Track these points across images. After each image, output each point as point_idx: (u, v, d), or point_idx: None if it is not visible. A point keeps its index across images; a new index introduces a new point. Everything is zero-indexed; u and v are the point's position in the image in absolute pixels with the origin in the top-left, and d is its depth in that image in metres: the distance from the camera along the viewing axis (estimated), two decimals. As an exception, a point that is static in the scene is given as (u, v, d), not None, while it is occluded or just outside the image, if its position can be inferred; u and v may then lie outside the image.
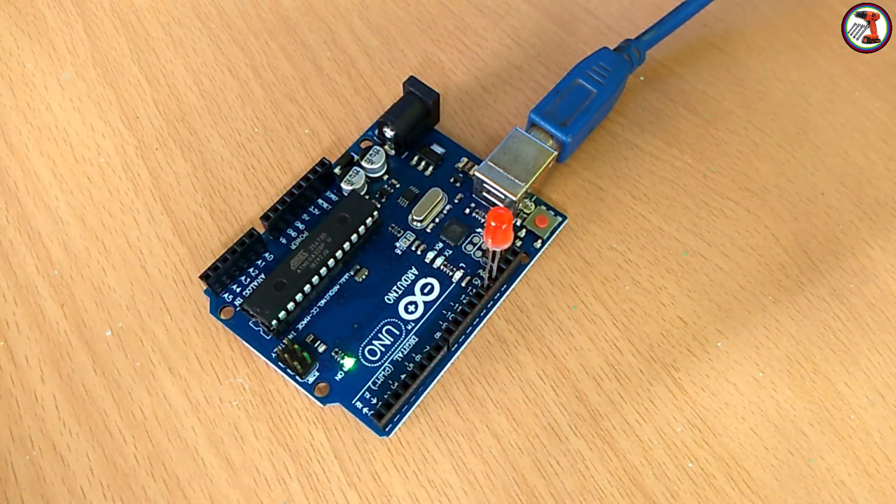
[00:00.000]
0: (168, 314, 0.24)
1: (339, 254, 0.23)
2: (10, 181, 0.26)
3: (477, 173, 0.25)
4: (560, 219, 0.26)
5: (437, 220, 0.25)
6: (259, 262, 0.24)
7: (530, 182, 0.24)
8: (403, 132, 0.26)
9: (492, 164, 0.24)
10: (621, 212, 0.26)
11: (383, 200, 0.26)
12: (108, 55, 0.29)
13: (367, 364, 0.23)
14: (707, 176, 0.27)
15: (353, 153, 0.26)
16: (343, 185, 0.25)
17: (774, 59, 0.29)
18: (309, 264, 0.23)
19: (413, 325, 0.24)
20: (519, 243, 0.25)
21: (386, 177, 0.26)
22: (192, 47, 0.29)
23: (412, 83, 0.26)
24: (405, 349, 0.23)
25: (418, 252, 0.25)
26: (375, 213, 0.24)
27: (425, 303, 0.24)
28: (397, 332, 0.24)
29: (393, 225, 0.25)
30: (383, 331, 0.24)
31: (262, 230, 0.25)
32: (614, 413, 0.23)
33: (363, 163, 0.26)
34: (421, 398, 0.23)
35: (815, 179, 0.27)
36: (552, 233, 0.25)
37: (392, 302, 0.24)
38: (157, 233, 0.26)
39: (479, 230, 0.25)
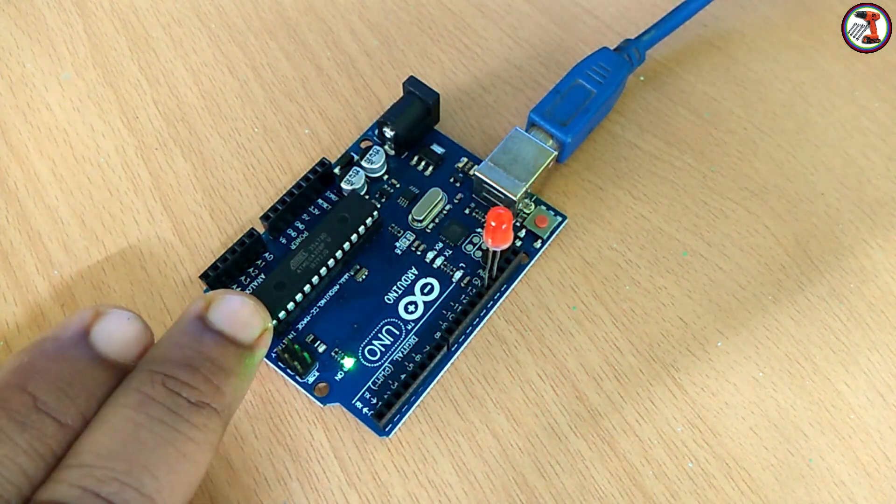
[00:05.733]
0: (168, 314, 0.24)
1: (339, 254, 0.23)
2: (10, 181, 0.26)
3: (477, 173, 0.25)
4: (560, 219, 0.26)
5: (437, 220, 0.25)
6: (259, 262, 0.24)
7: (530, 182, 0.24)
8: (403, 132, 0.26)
9: (492, 164, 0.24)
10: (621, 212, 0.26)
11: (383, 200, 0.26)
12: (108, 55, 0.29)
13: (367, 364, 0.23)
14: (707, 176, 0.27)
15: (352, 153, 0.26)
16: (343, 185, 0.25)
17: (774, 59, 0.29)
18: (309, 264, 0.23)
19: (413, 325, 0.24)
20: (519, 243, 0.25)
21: (386, 177, 0.26)
22: (192, 47, 0.29)
23: (412, 83, 0.26)
24: (405, 349, 0.23)
25: (418, 252, 0.25)
26: (375, 213, 0.24)
27: (425, 303, 0.24)
28: (397, 332, 0.24)
29: (393, 225, 0.25)
30: (383, 331, 0.24)
31: (262, 230, 0.25)
32: (614, 413, 0.23)
33: (363, 163, 0.26)
34: (421, 398, 0.23)
35: (815, 179, 0.27)
36: (552, 233, 0.25)
37: (392, 302, 0.24)
38: (157, 233, 0.26)
39: (479, 230, 0.25)
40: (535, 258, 0.25)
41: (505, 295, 0.24)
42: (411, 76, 0.26)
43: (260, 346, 0.19)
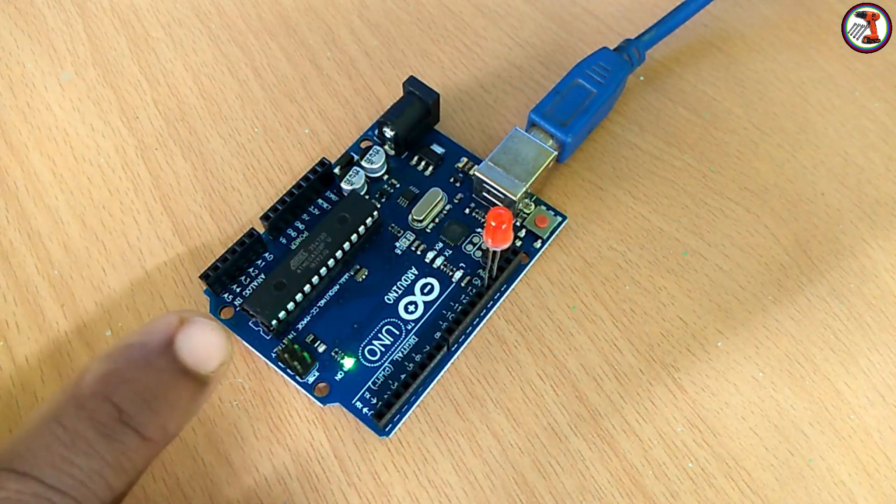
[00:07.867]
0: (168, 314, 0.24)
1: (339, 254, 0.23)
2: (10, 181, 0.26)
3: (477, 173, 0.25)
4: (560, 219, 0.26)
5: (437, 220, 0.25)
6: (259, 262, 0.24)
7: (530, 182, 0.24)
8: (403, 132, 0.26)
9: (492, 164, 0.24)
10: (621, 212, 0.26)
11: (383, 200, 0.26)
12: (108, 55, 0.29)
13: (367, 364, 0.23)
14: (707, 176, 0.27)
15: (352, 153, 0.26)
16: (343, 185, 0.25)
17: (774, 59, 0.29)
18: (309, 264, 0.23)
19: (413, 325, 0.24)
20: (519, 243, 0.25)
21: (386, 177, 0.26)
22: (192, 47, 0.29)
23: (412, 83, 0.26)
24: (405, 349, 0.23)
25: (418, 252, 0.25)
26: (375, 213, 0.24)
27: (425, 303, 0.24)
28: (397, 332, 0.24)
29: (393, 225, 0.25)
30: (383, 331, 0.24)
31: (262, 230, 0.25)
32: (614, 413, 0.23)
33: (363, 163, 0.26)
34: (421, 398, 0.23)
35: (815, 179, 0.27)
36: (552, 233, 0.25)
37: (392, 302, 0.24)
38: (157, 233, 0.26)
39: (479, 230, 0.25)
40: (535, 258, 0.25)
41: (505, 295, 0.24)
42: (411, 76, 0.26)
43: (215, 380, 0.18)
